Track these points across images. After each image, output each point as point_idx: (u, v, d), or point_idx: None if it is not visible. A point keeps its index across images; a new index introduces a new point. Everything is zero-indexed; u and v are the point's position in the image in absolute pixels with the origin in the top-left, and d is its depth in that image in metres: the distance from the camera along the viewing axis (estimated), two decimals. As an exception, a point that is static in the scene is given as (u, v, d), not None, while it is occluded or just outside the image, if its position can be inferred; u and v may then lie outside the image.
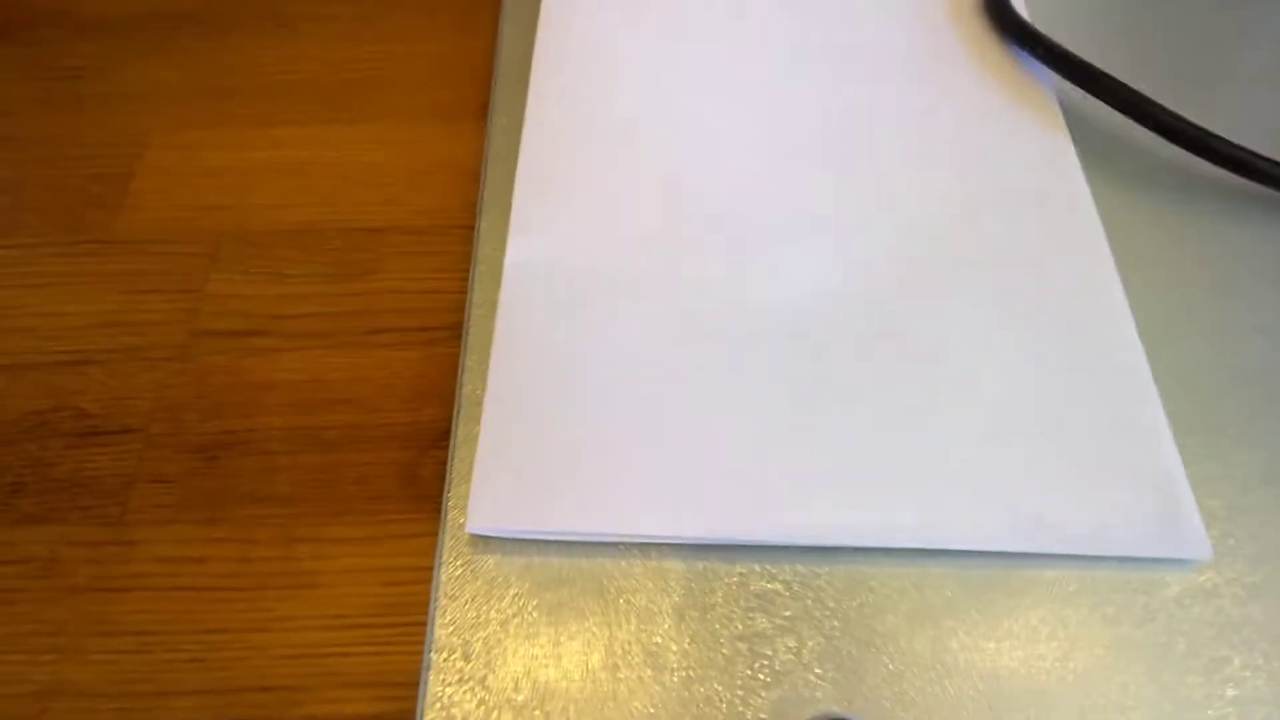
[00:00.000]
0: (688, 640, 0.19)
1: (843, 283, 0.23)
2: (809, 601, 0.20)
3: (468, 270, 0.25)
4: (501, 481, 0.20)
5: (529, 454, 0.21)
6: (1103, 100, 0.26)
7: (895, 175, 0.26)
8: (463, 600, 0.20)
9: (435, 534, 0.21)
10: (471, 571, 0.20)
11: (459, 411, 0.22)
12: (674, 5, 0.30)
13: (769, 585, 0.20)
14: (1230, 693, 0.18)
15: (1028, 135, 0.26)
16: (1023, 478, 0.20)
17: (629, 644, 0.19)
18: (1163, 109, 0.25)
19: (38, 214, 0.27)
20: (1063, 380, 0.22)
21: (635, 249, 0.24)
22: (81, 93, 0.30)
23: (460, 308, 0.24)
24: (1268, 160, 0.24)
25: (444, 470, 0.22)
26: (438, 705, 0.19)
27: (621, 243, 0.24)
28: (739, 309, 0.23)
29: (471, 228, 0.26)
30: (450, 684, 0.19)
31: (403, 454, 0.21)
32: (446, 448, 0.22)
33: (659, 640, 0.19)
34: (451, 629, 0.19)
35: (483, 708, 0.18)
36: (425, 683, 0.19)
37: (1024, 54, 0.28)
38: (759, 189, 0.25)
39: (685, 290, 0.23)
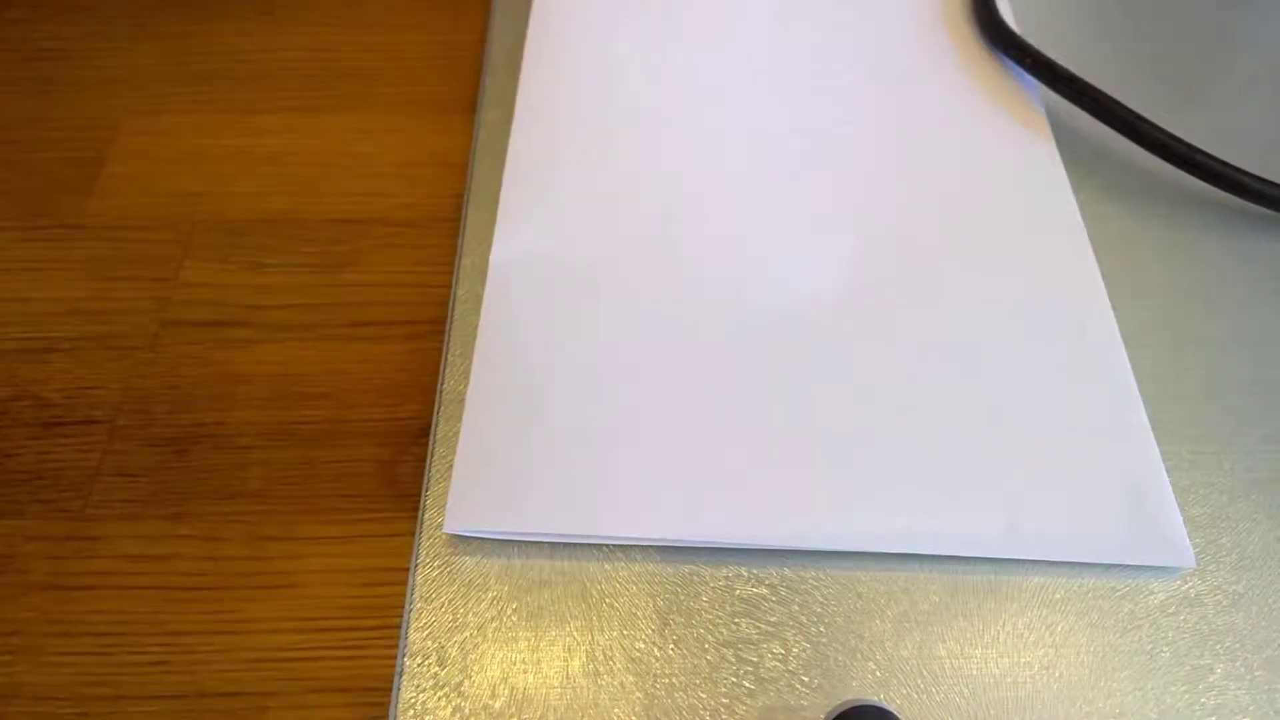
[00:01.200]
0: (671, 646, 0.19)
1: (828, 287, 0.23)
2: (795, 606, 0.19)
3: (452, 264, 0.24)
4: (481, 481, 0.20)
5: (510, 453, 0.20)
6: (1089, 113, 0.26)
7: (881, 180, 0.25)
8: (439, 603, 0.19)
9: (412, 534, 0.20)
10: (448, 573, 0.20)
11: (439, 409, 0.22)
12: (667, 3, 0.30)
13: (755, 590, 0.19)
14: (1212, 701, 0.18)
15: (1014, 143, 0.27)
16: (1009, 484, 0.20)
17: (610, 649, 0.19)
18: (1150, 124, 0.25)
19: (5, 197, 0.26)
20: (1049, 388, 0.22)
21: (624, 247, 0.23)
22: (55, 75, 0.29)
23: (443, 302, 0.24)
24: (1253, 177, 0.25)
25: (423, 468, 0.21)
26: (411, 712, 0.18)
27: (610, 240, 0.24)
28: (725, 310, 0.23)
29: (457, 221, 0.25)
30: (424, 690, 0.18)
31: (381, 451, 0.20)
32: (426, 445, 0.22)
33: (642, 645, 0.19)
34: (427, 633, 0.19)
35: (458, 715, 0.18)
36: (398, 689, 0.18)
37: (1012, 63, 0.28)
38: (749, 189, 0.25)
39: (672, 290, 0.23)
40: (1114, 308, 0.23)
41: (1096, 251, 0.24)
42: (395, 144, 0.28)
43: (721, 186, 0.25)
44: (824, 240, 0.24)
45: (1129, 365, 0.22)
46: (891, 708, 0.17)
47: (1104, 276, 0.24)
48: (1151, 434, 0.21)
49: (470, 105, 0.28)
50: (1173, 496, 0.20)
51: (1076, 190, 0.26)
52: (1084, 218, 0.25)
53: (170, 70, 0.29)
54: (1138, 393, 0.22)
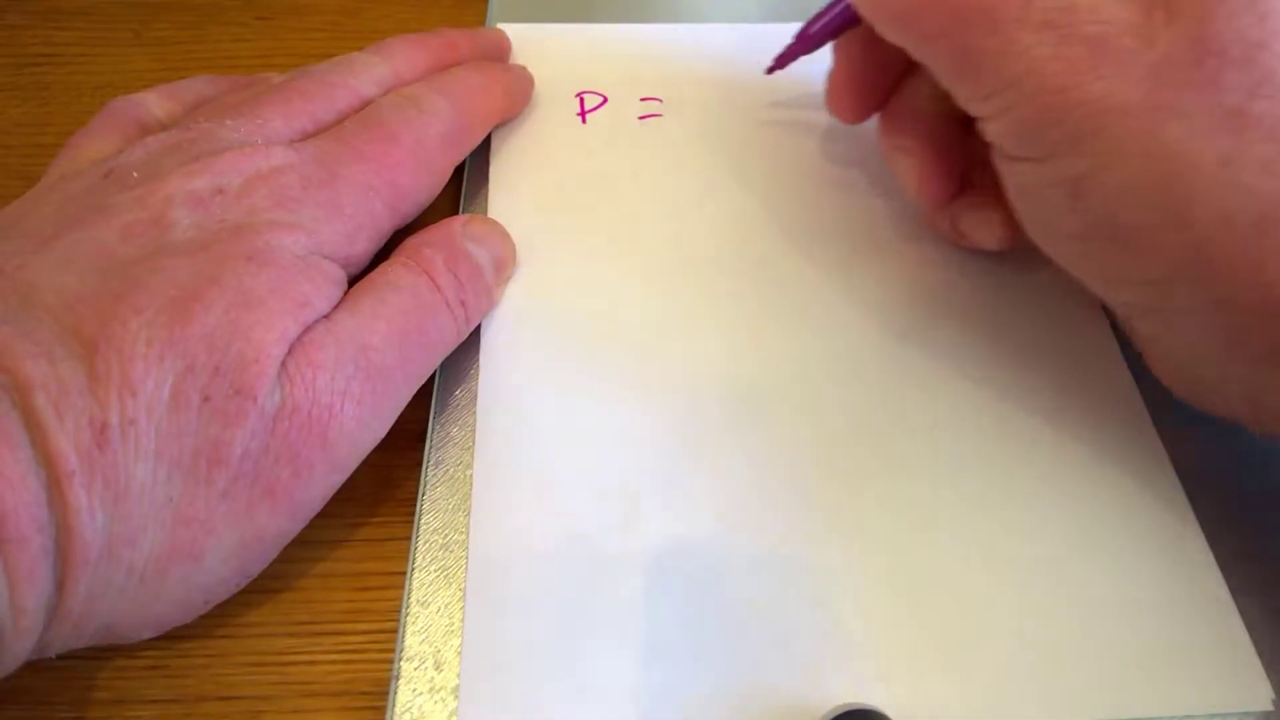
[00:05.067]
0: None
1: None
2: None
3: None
4: None
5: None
6: None
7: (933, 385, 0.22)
8: (435, 607, 0.19)
9: (408, 537, 0.21)
10: (445, 577, 0.20)
11: (435, 412, 0.22)
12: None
13: None
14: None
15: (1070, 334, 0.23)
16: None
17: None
18: None
19: (1, 204, 0.26)
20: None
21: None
22: (52, 80, 0.29)
23: (439, 307, 0.24)
24: None
25: (418, 472, 0.21)
26: (407, 716, 0.18)
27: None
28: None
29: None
30: (421, 694, 0.18)
31: (376, 454, 0.20)
32: (421, 449, 0.22)
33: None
34: (423, 637, 0.19)
35: (454, 719, 0.18)
36: (395, 692, 0.18)
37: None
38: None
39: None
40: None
41: None
42: (391, 149, 0.28)
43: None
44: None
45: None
46: (887, 712, 0.17)
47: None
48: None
49: (465, 110, 0.28)
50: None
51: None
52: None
53: (167, 76, 0.29)
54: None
